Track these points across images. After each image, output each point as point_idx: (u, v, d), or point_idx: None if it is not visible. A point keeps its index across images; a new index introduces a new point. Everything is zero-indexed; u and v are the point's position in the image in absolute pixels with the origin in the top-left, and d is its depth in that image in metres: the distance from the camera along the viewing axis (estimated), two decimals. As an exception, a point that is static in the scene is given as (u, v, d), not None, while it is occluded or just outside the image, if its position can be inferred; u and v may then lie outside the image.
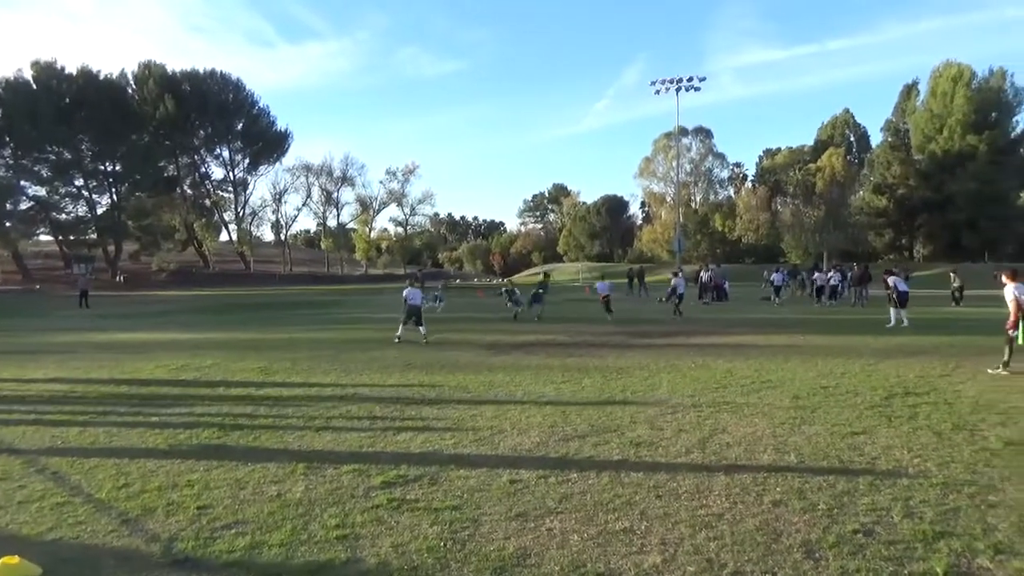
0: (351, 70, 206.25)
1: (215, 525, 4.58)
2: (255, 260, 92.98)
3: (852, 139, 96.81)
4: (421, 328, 15.91)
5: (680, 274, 25.87)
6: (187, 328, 21.16)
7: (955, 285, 29.00)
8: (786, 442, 6.41)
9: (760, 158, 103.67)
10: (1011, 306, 10.06)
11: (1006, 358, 9.80)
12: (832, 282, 29.84)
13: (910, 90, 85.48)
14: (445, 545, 4.16)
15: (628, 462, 5.87)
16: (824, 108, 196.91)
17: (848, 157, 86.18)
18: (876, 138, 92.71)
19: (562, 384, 9.86)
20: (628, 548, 4.09)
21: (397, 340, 15.68)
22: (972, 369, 10.51)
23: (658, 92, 59.57)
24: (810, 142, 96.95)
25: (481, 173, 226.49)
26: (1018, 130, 77.74)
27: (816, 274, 33.40)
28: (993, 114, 74.46)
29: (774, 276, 31.51)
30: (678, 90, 58.66)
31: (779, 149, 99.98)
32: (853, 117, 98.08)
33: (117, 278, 71.29)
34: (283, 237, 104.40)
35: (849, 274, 30.93)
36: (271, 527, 4.52)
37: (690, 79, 58.48)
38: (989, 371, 9.89)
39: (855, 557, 3.90)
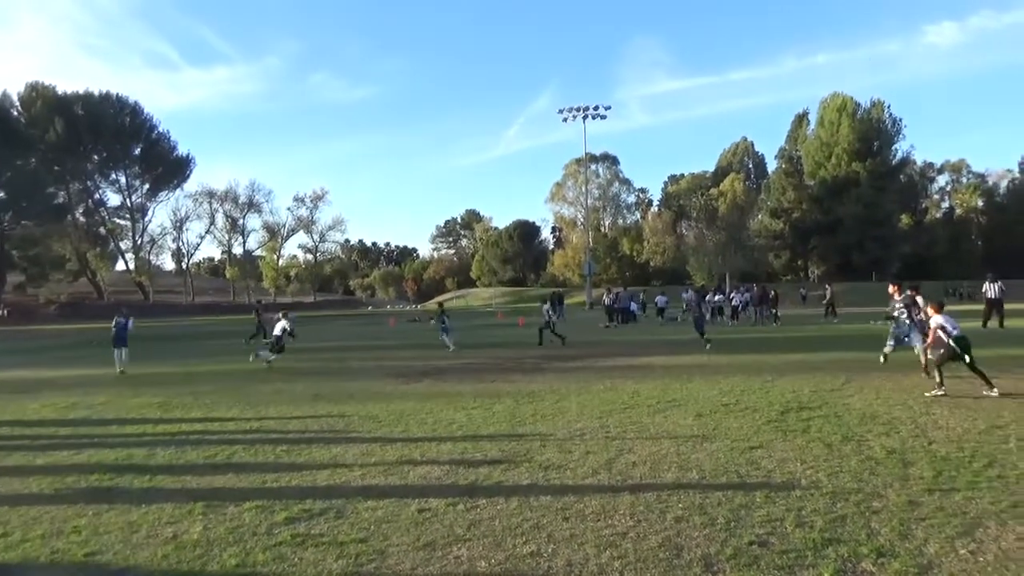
0: (260, 94, 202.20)
1: (104, 572, 4.33)
2: (155, 290, 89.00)
3: (751, 165, 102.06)
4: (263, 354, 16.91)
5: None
6: (78, 364, 19.94)
7: (827, 299, 31.11)
8: (689, 459, 6.61)
9: (665, 183, 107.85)
10: (931, 334, 10.52)
11: (938, 379, 10.11)
12: (735, 302, 31.15)
13: (801, 119, 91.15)
14: (350, 580, 4.07)
15: (537, 486, 5.92)
16: (724, 136, 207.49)
17: (747, 183, 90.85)
18: (772, 165, 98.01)
19: (473, 410, 9.85)
20: (535, 572, 4.11)
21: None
22: (860, 383, 11.14)
23: (566, 120, 61.15)
24: (712, 168, 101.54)
25: (393, 199, 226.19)
26: (897, 158, 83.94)
27: (718, 295, 34.78)
28: (875, 143, 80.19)
29: (685, 296, 32.76)
30: (585, 118, 60.34)
31: (683, 175, 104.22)
32: (752, 145, 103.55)
33: (0, 312, 66.60)
34: (185, 266, 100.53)
35: (749, 295, 32.35)
36: (165, 571, 4.31)
37: (596, 107, 60.32)
38: (927, 394, 10.06)
39: (751, 568, 4.05)
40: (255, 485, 6.27)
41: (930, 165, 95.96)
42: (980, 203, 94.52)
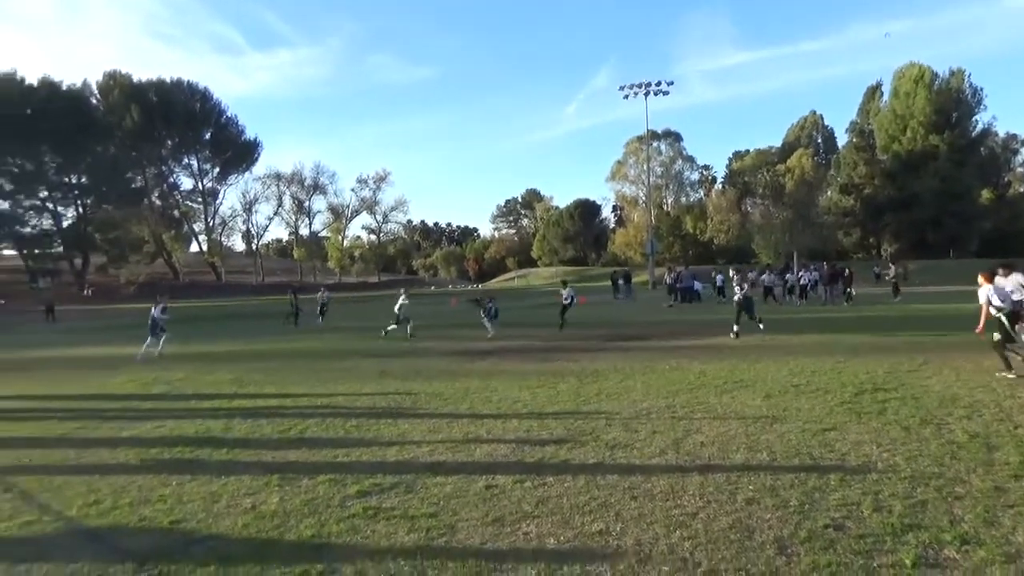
0: (322, 77, 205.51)
1: (188, 539, 4.53)
2: (226, 271, 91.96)
3: (819, 140, 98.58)
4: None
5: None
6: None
7: (892, 277, 29.95)
8: (759, 440, 6.48)
9: (729, 160, 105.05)
10: (982, 309, 10.05)
11: (1005, 361, 9.68)
12: (803, 281, 30.28)
13: (874, 91, 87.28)
14: (421, 552, 4.16)
15: (604, 464, 5.91)
16: (792, 110, 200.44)
17: (816, 158, 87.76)
18: (842, 139, 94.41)
19: (537, 389, 9.89)
20: (604, 550, 4.12)
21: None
22: (939, 364, 10.71)
23: (627, 96, 60.09)
24: (778, 143, 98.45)
25: (454, 179, 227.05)
26: (978, 130, 79.63)
27: (787, 275, 33.89)
28: (954, 114, 76.26)
29: (763, 277, 31.96)
30: (647, 94, 59.20)
31: (747, 151, 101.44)
32: (821, 118, 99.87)
33: (85, 291, 70.01)
34: (254, 247, 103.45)
35: (818, 273, 31.37)
36: (245, 540, 4.49)
37: (658, 83, 59.07)
38: (996, 375, 9.72)
39: (826, 551, 3.97)
40: (327, 459, 6.45)
41: (1013, 136, 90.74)
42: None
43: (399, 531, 4.52)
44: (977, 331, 10.29)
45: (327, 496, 5.31)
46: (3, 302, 56.38)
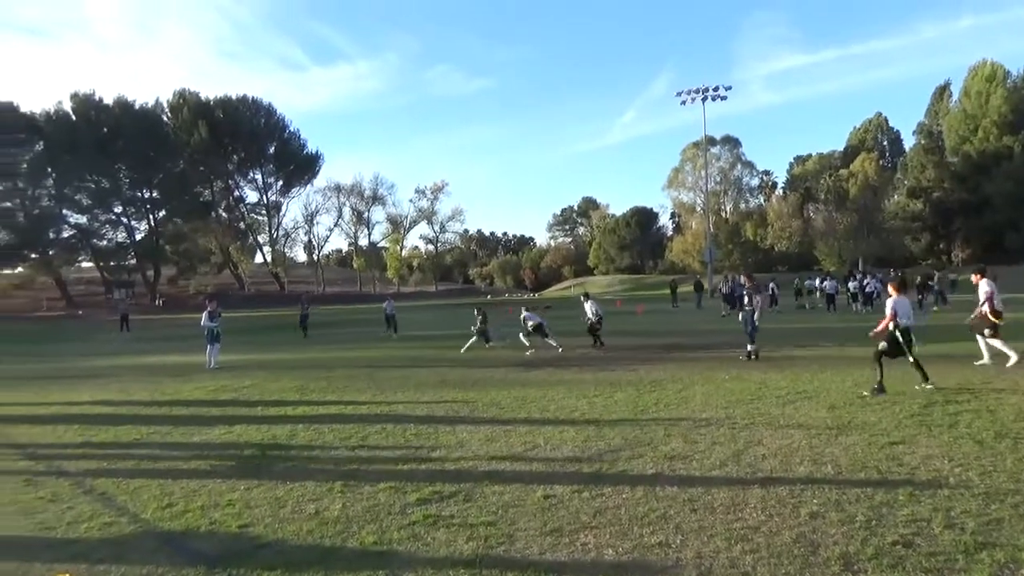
0: (380, 91, 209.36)
1: (256, 543, 4.68)
2: (289, 280, 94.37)
3: (884, 143, 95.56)
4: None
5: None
6: (225, 350, 21.50)
7: (936, 286, 28.85)
8: (822, 453, 6.33)
9: (790, 165, 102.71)
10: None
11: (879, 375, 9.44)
12: (868, 289, 29.38)
13: (943, 91, 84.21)
14: (481, 561, 4.21)
15: (662, 475, 5.86)
16: (854, 112, 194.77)
17: (881, 161, 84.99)
18: (909, 141, 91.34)
19: (595, 398, 9.86)
20: (663, 562, 4.09)
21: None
22: (1014, 376, 10.26)
23: (684, 103, 59.54)
24: (840, 147, 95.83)
25: (510, 188, 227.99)
26: (1055, 129, 75.80)
27: (851, 282, 32.96)
28: (1029, 113, 72.79)
29: (826, 284, 31.23)
30: (704, 100, 58.55)
31: (809, 155, 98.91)
32: (886, 120, 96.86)
33: (156, 302, 72.84)
34: (316, 257, 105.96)
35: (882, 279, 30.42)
36: (310, 545, 4.61)
37: (716, 88, 58.36)
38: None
39: (895, 569, 3.85)
40: (388, 466, 6.58)
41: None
42: None
43: (459, 539, 4.58)
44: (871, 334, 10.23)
45: (388, 503, 5.41)
46: (81, 313, 59.10)
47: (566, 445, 7.08)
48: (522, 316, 17.17)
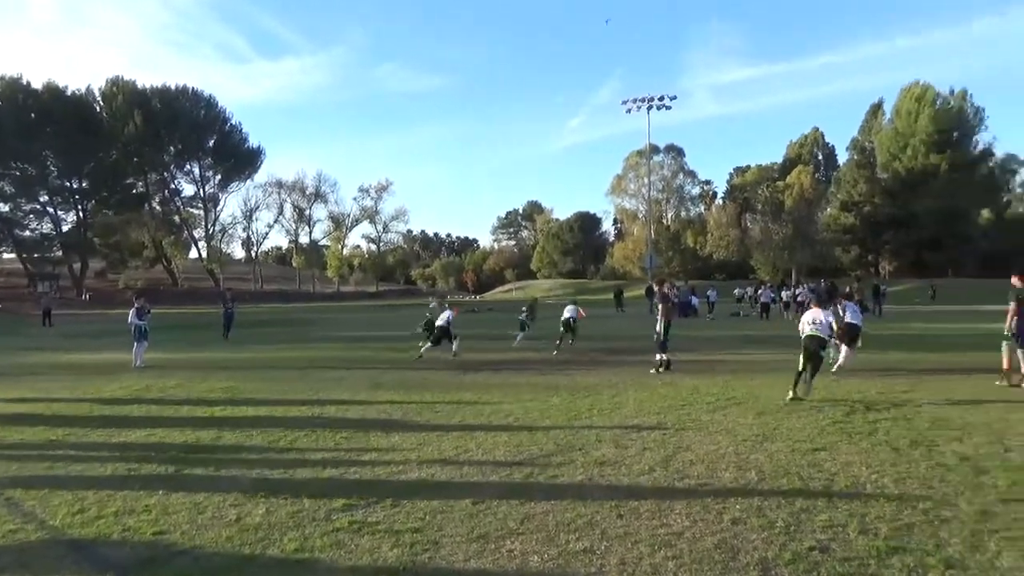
0: (326, 86, 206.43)
1: (171, 551, 4.51)
2: (225, 277, 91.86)
3: (820, 157, 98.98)
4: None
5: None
6: (153, 348, 20.75)
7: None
8: (748, 459, 6.47)
9: (730, 175, 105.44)
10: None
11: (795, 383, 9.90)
12: (800, 298, 30.31)
13: (876, 109, 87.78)
14: (404, 568, 4.14)
15: (591, 482, 5.89)
16: (793, 126, 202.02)
17: (816, 175, 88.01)
18: (843, 156, 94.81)
19: (530, 403, 9.87)
20: (587, 569, 4.10)
21: None
22: (932, 385, 10.70)
23: (629, 111, 60.23)
24: (779, 159, 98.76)
25: (456, 190, 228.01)
26: (978, 149, 79.94)
27: (784, 291, 34.00)
28: (955, 133, 76.64)
29: (760, 292, 32.12)
30: (649, 108, 59.33)
31: (749, 167, 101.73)
32: (822, 135, 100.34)
33: (83, 296, 70.00)
34: (254, 254, 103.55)
35: (816, 289, 31.46)
36: (229, 553, 4.46)
37: (661, 98, 59.19)
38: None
39: (810, 574, 3.95)
40: (316, 471, 6.42)
41: (1013, 157, 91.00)
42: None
43: (383, 546, 4.49)
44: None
45: (313, 509, 5.28)
46: (1, 306, 56.35)
47: (498, 450, 7.06)
48: (444, 315, 17.03)
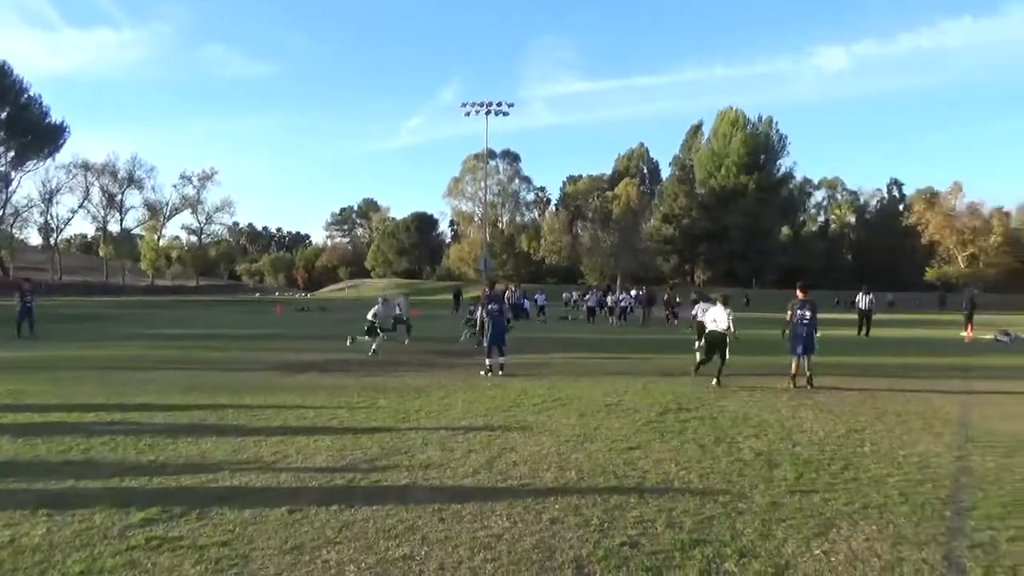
0: (146, 62, 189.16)
1: (-79, 582, 3.89)
2: (17, 266, 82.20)
3: (646, 171, 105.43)
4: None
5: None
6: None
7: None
8: (569, 459, 6.67)
9: (563, 184, 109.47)
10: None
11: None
12: (623, 304, 31.99)
13: (696, 130, 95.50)
14: (206, 587, 3.84)
15: (415, 486, 5.81)
16: (623, 140, 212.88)
17: (641, 187, 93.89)
18: (666, 171, 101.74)
19: (357, 405, 9.61)
20: (406, 575, 4.02)
21: None
22: (735, 385, 11.65)
23: (468, 114, 60.63)
24: (609, 171, 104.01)
25: (288, 183, 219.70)
26: (781, 172, 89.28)
27: (609, 296, 35.73)
28: (762, 157, 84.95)
29: (588, 297, 33.42)
30: (487, 113, 60.04)
31: (581, 176, 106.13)
32: (647, 150, 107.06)
33: None
34: (53, 242, 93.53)
35: (638, 295, 33.42)
36: (-5, 580, 3.92)
37: (499, 104, 60.10)
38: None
39: (621, 569, 4.11)
40: (112, 483, 5.82)
41: (808, 181, 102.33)
42: (852, 219, 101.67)
43: (184, 563, 4.14)
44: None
45: (105, 526, 4.77)
46: None
47: (320, 455, 6.78)
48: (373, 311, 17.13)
